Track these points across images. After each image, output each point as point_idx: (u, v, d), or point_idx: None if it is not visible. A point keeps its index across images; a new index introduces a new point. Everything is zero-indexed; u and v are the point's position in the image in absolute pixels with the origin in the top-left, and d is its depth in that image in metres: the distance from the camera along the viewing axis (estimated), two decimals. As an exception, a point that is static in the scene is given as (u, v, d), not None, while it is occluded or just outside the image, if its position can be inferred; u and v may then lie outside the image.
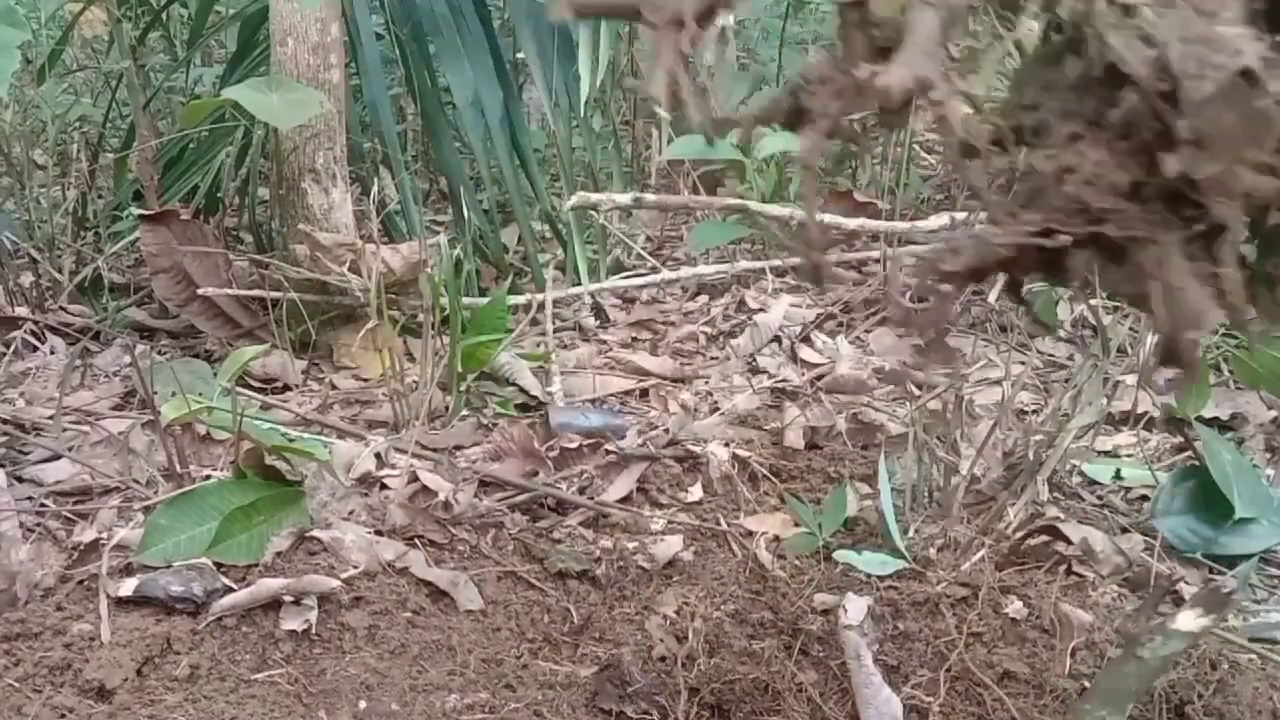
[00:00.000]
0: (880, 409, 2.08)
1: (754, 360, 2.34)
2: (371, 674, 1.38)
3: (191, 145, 2.75)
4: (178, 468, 1.66)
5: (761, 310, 2.53)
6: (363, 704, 1.34)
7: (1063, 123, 0.60)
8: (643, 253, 2.99)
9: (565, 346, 2.43)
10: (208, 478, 1.66)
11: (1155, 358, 0.68)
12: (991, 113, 0.63)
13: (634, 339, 2.53)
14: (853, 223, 2.76)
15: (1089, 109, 0.60)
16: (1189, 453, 1.84)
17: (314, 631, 1.41)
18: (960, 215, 2.67)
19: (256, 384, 2.21)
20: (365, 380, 2.29)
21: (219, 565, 1.49)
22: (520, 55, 3.04)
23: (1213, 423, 1.97)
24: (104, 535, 1.55)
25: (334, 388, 2.25)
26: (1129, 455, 1.94)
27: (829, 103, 0.62)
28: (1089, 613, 1.52)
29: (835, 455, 1.93)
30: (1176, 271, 0.59)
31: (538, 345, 2.32)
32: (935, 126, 0.61)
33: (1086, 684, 1.40)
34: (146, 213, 2.41)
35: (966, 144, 0.61)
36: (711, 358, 2.41)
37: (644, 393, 2.21)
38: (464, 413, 2.08)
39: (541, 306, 2.28)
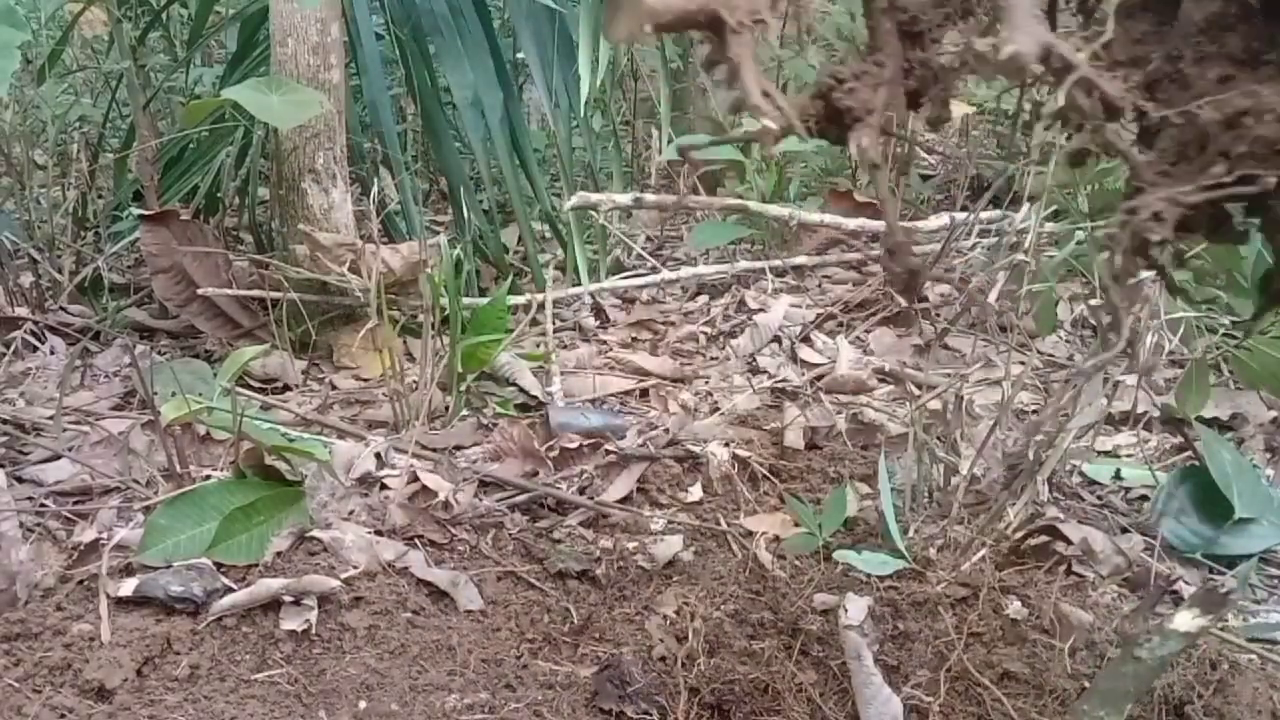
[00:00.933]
0: (880, 409, 2.08)
1: (754, 360, 2.34)
2: (371, 674, 1.38)
3: (191, 145, 2.75)
4: (178, 468, 1.66)
5: (761, 310, 2.53)
6: (363, 704, 1.34)
7: (1201, 68, 0.57)
8: (643, 253, 2.99)
9: (565, 346, 2.43)
10: (208, 478, 1.66)
11: (1263, 301, 0.64)
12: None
13: (634, 339, 2.53)
14: (853, 223, 2.77)
15: (1236, 48, 0.56)
16: (1189, 453, 1.84)
17: (314, 631, 1.41)
18: (960, 215, 2.67)
19: (256, 384, 2.21)
20: (365, 380, 2.29)
21: (219, 565, 1.49)
22: (520, 55, 3.04)
23: (1213, 423, 1.97)
24: (104, 535, 1.55)
25: (334, 388, 2.25)
26: (1129, 455, 1.94)
27: (871, 98, 0.59)
28: (1089, 613, 1.52)
29: (835, 455, 1.93)
30: None
31: (538, 345, 2.32)
32: (1060, 93, 0.56)
33: (1086, 684, 1.40)
34: (146, 213, 2.41)
35: (1110, 105, 0.57)
36: (711, 358, 2.41)
37: (644, 393, 2.21)
38: (464, 413, 2.08)
39: (541, 306, 2.28)
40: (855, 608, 1.50)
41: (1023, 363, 2.18)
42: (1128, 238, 0.58)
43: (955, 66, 0.59)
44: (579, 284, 2.68)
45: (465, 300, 2.25)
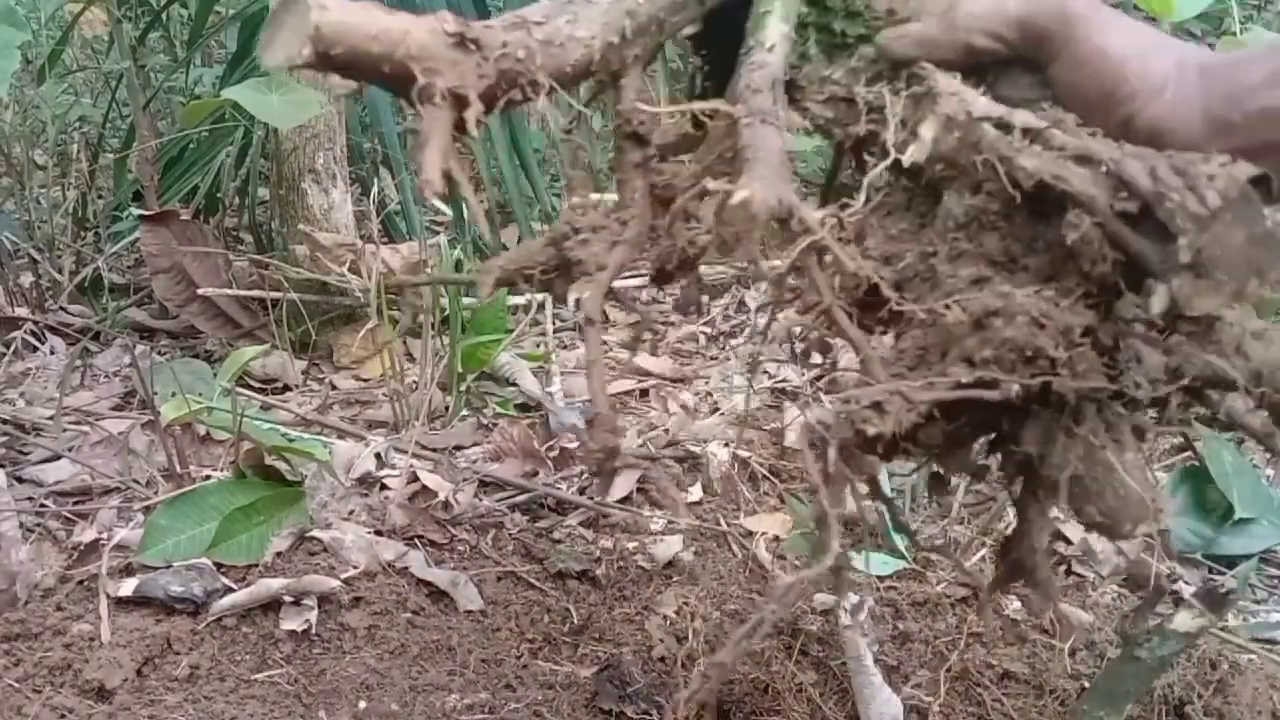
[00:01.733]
0: (880, 409, 2.08)
1: (754, 360, 2.34)
2: (371, 674, 1.38)
3: (191, 145, 2.75)
4: (178, 468, 1.66)
5: (762, 310, 2.53)
6: (363, 704, 1.34)
7: (954, 266, 0.52)
8: (643, 253, 2.99)
9: (565, 346, 2.43)
10: (208, 478, 1.66)
11: (1003, 570, 0.57)
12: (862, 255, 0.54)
13: (634, 339, 2.53)
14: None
15: (993, 248, 0.52)
16: (1189, 453, 1.84)
17: (314, 631, 1.41)
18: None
19: (256, 384, 2.21)
20: (365, 380, 2.29)
21: (219, 565, 1.49)
22: (520, 55, 3.03)
23: (1213, 423, 1.97)
24: (104, 535, 1.55)
25: (334, 388, 2.25)
26: (1129, 455, 1.94)
27: (604, 254, 0.54)
28: (1089, 613, 1.52)
29: (835, 455, 1.92)
30: (1125, 445, 0.50)
31: (538, 345, 2.32)
32: (795, 262, 0.50)
33: (1086, 684, 1.40)
34: (146, 213, 2.41)
35: (850, 279, 0.52)
36: (711, 358, 2.41)
37: (644, 393, 2.21)
38: (464, 413, 2.08)
39: (541, 306, 2.28)
40: (855, 608, 1.50)
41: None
42: (843, 428, 0.51)
43: (701, 242, 0.53)
44: (579, 284, 2.67)
45: (465, 300, 2.25)
